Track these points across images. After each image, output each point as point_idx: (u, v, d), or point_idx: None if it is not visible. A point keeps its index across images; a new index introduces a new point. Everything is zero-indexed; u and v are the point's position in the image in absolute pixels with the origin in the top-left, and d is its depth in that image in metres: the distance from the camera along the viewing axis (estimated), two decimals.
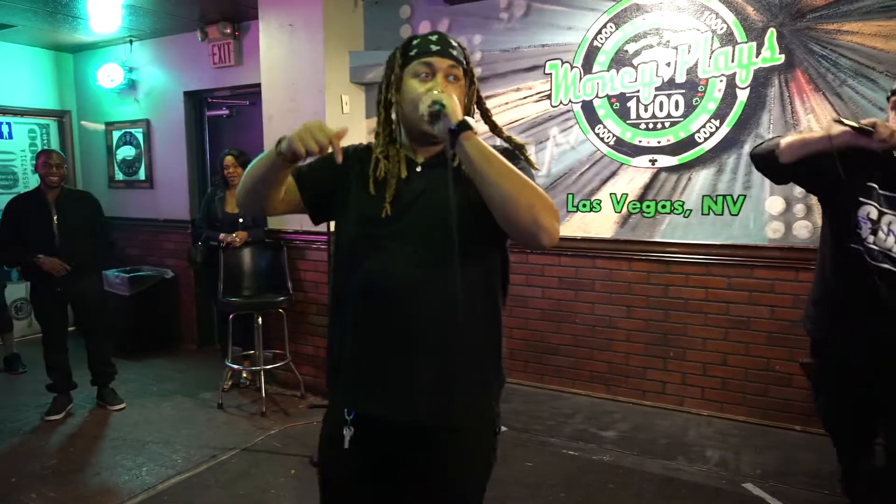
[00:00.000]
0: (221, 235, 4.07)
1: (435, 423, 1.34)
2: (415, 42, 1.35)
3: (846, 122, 1.77)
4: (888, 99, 1.90)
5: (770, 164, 1.93)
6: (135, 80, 5.34)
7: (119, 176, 5.61)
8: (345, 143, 1.50)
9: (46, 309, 3.75)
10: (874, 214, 1.78)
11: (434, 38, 1.34)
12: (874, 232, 1.78)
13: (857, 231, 1.80)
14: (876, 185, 1.80)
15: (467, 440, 1.38)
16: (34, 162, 3.89)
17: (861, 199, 1.81)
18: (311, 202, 1.44)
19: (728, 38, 3.27)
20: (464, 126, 1.19)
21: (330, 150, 1.22)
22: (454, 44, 1.36)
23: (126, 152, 5.54)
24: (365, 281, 1.33)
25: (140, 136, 5.42)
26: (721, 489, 2.77)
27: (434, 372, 1.31)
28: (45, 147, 5.61)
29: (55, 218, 3.67)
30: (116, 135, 5.57)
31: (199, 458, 3.18)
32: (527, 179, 1.22)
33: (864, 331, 1.85)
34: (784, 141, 1.89)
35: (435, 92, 1.25)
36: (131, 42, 5.25)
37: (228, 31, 4.66)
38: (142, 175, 5.46)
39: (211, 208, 4.22)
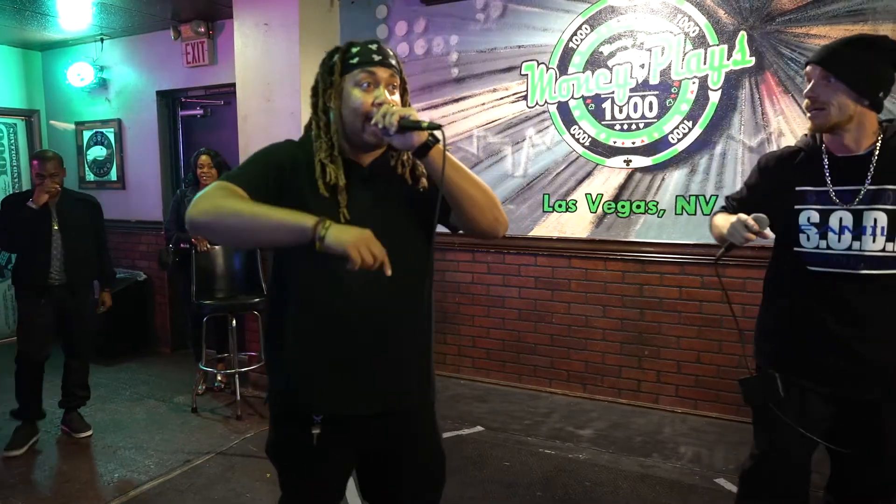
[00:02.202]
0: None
1: (399, 412, 1.44)
2: (354, 50, 1.35)
3: (721, 256, 1.67)
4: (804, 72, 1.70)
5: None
6: (106, 79, 5.24)
7: (90, 177, 5.50)
8: None
9: (33, 321, 3.28)
10: (815, 218, 1.62)
11: (374, 46, 1.36)
12: (823, 236, 1.61)
13: (804, 242, 1.64)
14: (808, 188, 1.65)
15: (430, 420, 1.54)
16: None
17: (796, 206, 1.65)
18: None
19: (700, 41, 3.32)
20: (436, 139, 1.27)
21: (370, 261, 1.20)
22: (391, 52, 1.38)
23: (97, 152, 5.43)
24: (332, 287, 1.34)
25: (111, 136, 5.32)
26: (695, 485, 2.81)
27: (403, 366, 1.42)
28: (16, 146, 5.48)
29: (55, 224, 3.30)
30: (87, 135, 5.46)
31: (173, 462, 3.13)
32: (482, 181, 1.37)
33: (836, 355, 1.62)
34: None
35: (394, 106, 1.29)
36: (102, 40, 5.15)
37: (202, 29, 4.61)
38: (113, 176, 5.36)
39: (180, 210, 4.13)
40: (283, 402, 1.47)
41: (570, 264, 3.76)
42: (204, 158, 4.10)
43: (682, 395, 3.53)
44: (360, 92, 1.33)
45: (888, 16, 2.92)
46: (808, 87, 1.63)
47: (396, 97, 1.37)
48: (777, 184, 1.71)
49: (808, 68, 1.64)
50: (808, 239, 1.64)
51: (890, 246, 1.55)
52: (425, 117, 1.42)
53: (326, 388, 1.39)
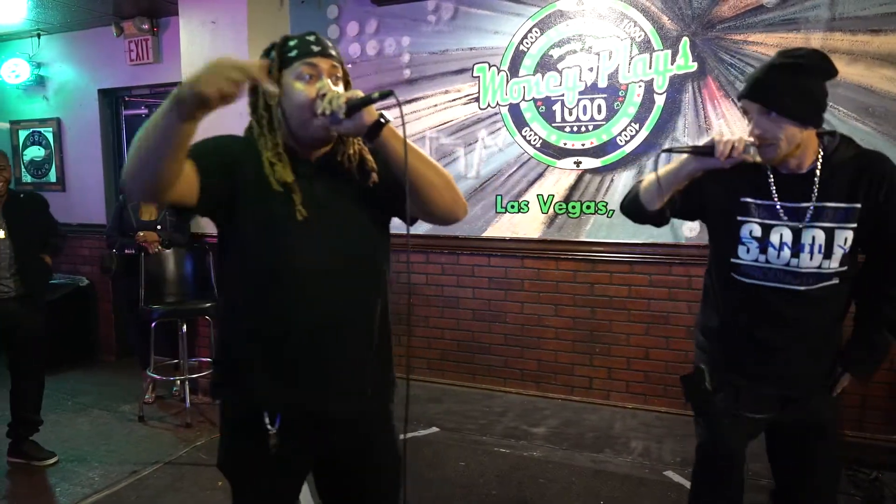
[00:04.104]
0: (138, 234, 3.85)
1: (355, 415, 1.41)
2: (291, 43, 1.31)
3: (679, 148, 1.62)
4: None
5: (643, 215, 1.73)
6: (43, 76, 5.03)
7: (27, 178, 5.26)
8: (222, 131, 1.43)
9: None
10: (758, 231, 1.58)
11: (312, 38, 1.32)
12: (763, 250, 1.58)
13: (742, 253, 1.61)
14: (751, 200, 1.60)
15: (386, 432, 1.49)
16: None
17: (739, 217, 1.61)
18: (208, 201, 1.26)
19: (646, 46, 3.41)
20: (386, 120, 1.26)
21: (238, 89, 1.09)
22: (330, 43, 1.35)
23: (34, 153, 5.20)
24: (290, 283, 1.31)
25: (50, 136, 5.10)
26: (644, 478, 2.89)
27: (360, 365, 1.39)
28: None
29: (3, 230, 3.03)
30: (23, 134, 5.22)
31: (119, 474, 3.02)
32: (436, 163, 1.34)
33: (770, 362, 1.63)
34: (641, 189, 1.73)
35: (338, 90, 1.27)
36: (39, 36, 4.94)
37: (146, 26, 4.47)
38: (52, 177, 5.15)
39: (124, 217, 3.98)
40: (236, 406, 1.41)
41: (522, 264, 3.81)
42: None
43: (632, 391, 3.63)
44: (303, 85, 1.28)
45: (819, 25, 3.07)
46: (751, 124, 1.55)
47: (340, 88, 1.32)
48: (723, 189, 1.64)
49: (744, 102, 1.57)
50: (748, 251, 1.61)
51: (826, 263, 1.54)
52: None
53: (281, 387, 1.34)
